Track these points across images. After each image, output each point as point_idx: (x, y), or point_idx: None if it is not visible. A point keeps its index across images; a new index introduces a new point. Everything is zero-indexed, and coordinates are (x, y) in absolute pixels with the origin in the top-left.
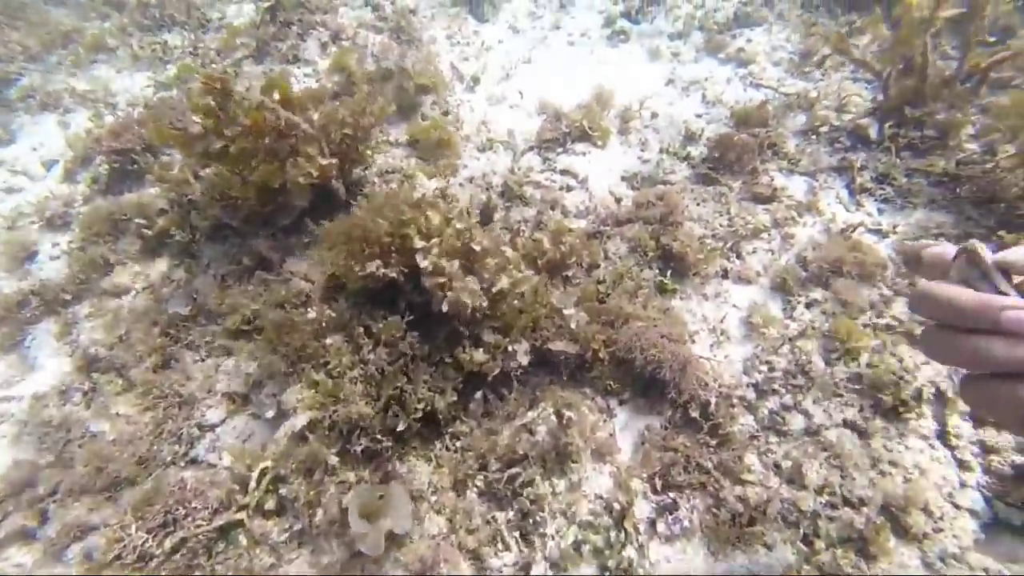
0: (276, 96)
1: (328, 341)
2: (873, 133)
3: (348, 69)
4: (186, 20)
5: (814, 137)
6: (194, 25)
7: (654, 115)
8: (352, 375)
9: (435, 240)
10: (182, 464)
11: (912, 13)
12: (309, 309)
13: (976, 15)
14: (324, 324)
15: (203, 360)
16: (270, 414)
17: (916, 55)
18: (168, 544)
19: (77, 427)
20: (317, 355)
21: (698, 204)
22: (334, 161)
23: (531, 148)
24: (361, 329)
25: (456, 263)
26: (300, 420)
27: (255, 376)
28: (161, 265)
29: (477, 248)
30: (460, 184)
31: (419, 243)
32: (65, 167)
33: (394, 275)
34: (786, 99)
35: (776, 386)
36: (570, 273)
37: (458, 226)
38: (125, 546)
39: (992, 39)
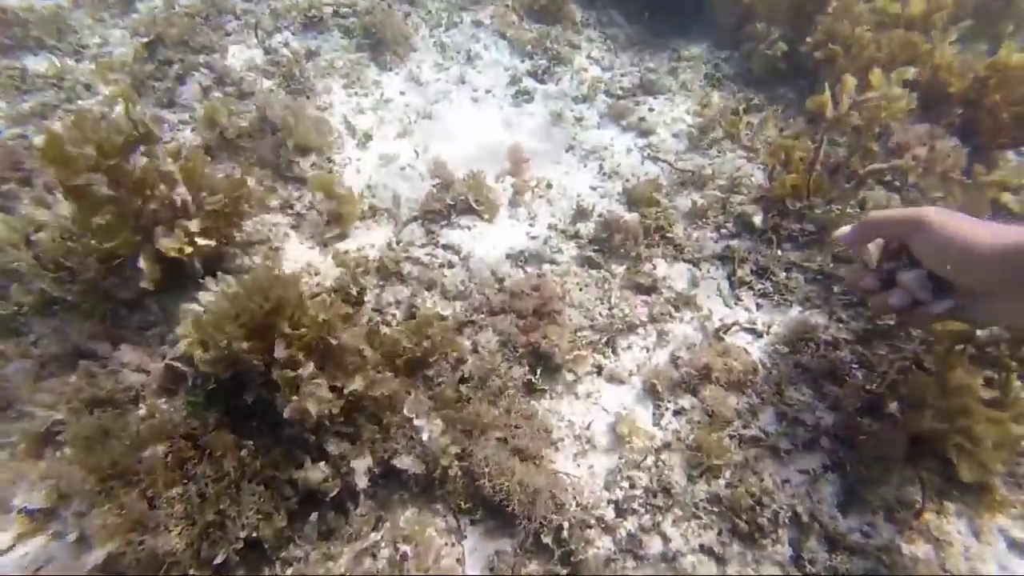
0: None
1: (146, 454)
2: (758, 221)
3: (220, 125)
4: (57, 44)
5: (701, 221)
6: (67, 51)
7: (548, 185)
8: (169, 495)
9: (302, 331)
10: None
11: (822, 111)
12: (140, 406)
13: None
14: (146, 432)
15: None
16: (71, 538)
17: (802, 154)
18: None
19: None
20: (131, 471)
21: (580, 289)
22: (212, 243)
23: (415, 219)
24: (185, 442)
25: (311, 365)
26: (97, 555)
27: (62, 489)
28: None
29: (334, 342)
30: (332, 255)
31: (285, 327)
32: None
33: (258, 362)
34: (680, 176)
35: (636, 505)
36: (431, 373)
37: (321, 317)
38: None
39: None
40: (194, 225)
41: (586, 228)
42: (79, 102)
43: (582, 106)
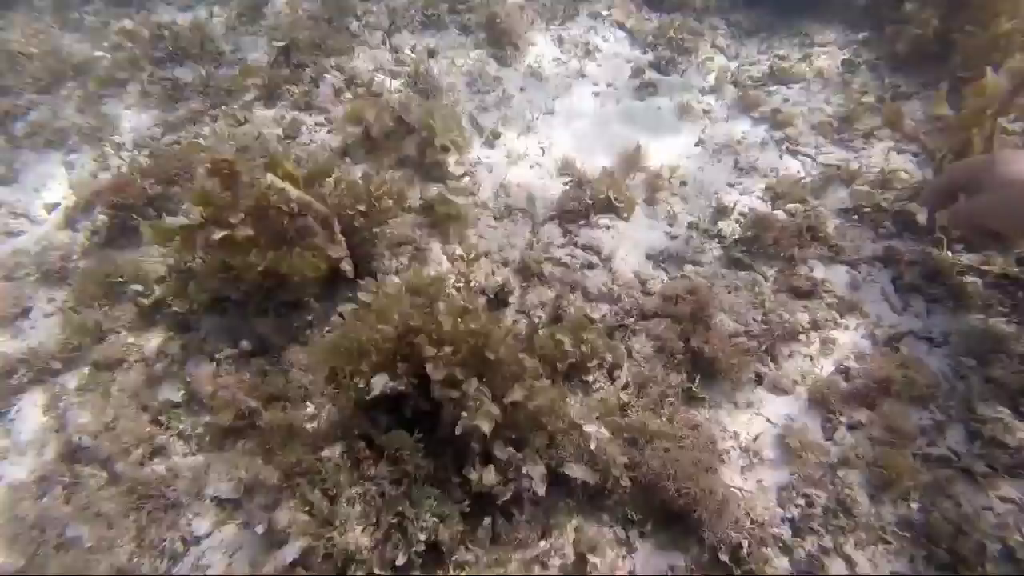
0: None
1: (325, 453)
2: (922, 219)
3: (365, 122)
4: (199, 53)
5: (856, 218)
6: (207, 59)
7: (683, 182)
8: (350, 495)
9: (448, 349)
10: None
11: (983, 95)
12: (308, 403)
13: None
14: (322, 430)
15: (193, 455)
16: (260, 529)
17: (977, 140)
18: None
19: (53, 527)
20: (313, 469)
21: (729, 292)
22: (343, 254)
23: (552, 218)
24: (362, 443)
25: (474, 381)
26: (292, 550)
27: (247, 482)
28: (156, 337)
29: (491, 357)
30: (475, 257)
31: (430, 351)
32: (66, 212)
33: (403, 388)
34: (824, 170)
35: (815, 524)
36: (590, 379)
37: (472, 326)
38: None
39: None
40: (321, 239)
41: (728, 227)
42: (223, 107)
43: (709, 97)
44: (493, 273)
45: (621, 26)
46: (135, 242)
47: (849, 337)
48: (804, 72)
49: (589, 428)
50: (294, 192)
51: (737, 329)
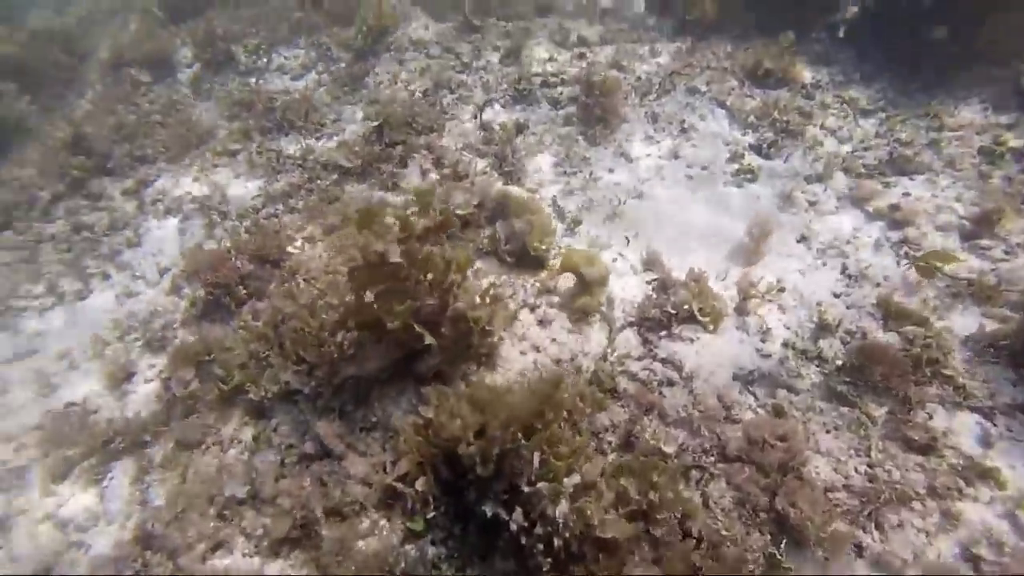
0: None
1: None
2: None
3: (445, 214)
4: (303, 124)
5: (992, 351)
6: (310, 130)
7: (781, 288)
8: None
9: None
10: None
11: None
12: (363, 519)
13: None
14: (375, 551)
15: (251, 556)
16: None
17: None
18: None
19: None
20: None
21: (828, 431)
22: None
23: (631, 324)
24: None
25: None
26: None
27: None
28: (232, 423)
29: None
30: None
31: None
32: (174, 279)
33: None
34: (953, 284)
35: None
36: (659, 533)
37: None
38: None
39: None
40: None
41: (830, 347)
42: (318, 182)
43: (816, 186)
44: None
45: (721, 103)
46: (225, 318)
47: (979, 513)
48: (931, 161)
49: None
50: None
51: (835, 481)
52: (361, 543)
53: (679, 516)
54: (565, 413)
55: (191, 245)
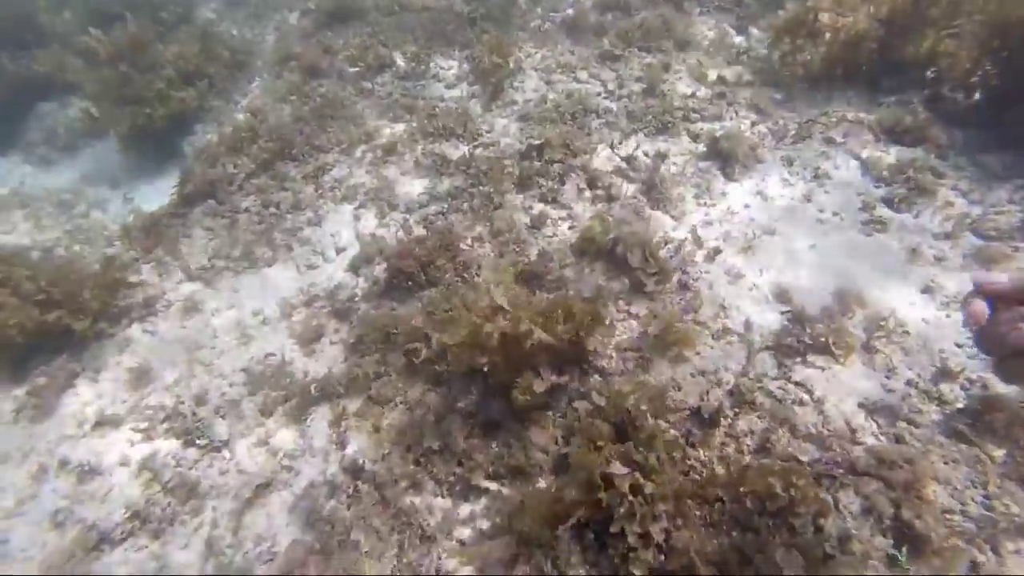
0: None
1: (559, 532)
2: None
3: (595, 242)
4: (462, 134)
5: None
6: (468, 139)
7: (905, 332)
8: (577, 572)
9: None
10: None
11: None
12: (540, 479)
13: None
14: (557, 512)
15: (444, 497)
16: None
17: None
18: None
19: (339, 525)
20: (547, 542)
21: (946, 463)
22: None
23: (767, 348)
24: (590, 531)
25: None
26: None
27: (489, 534)
28: (417, 387)
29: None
30: (691, 374)
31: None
32: (352, 260)
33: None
34: None
35: None
36: (797, 524)
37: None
38: None
39: None
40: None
41: (951, 391)
42: (479, 188)
43: (944, 244)
44: (708, 393)
45: (856, 156)
46: (405, 299)
47: None
48: None
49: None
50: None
51: (952, 506)
52: (545, 501)
53: (814, 513)
54: None
55: (367, 232)
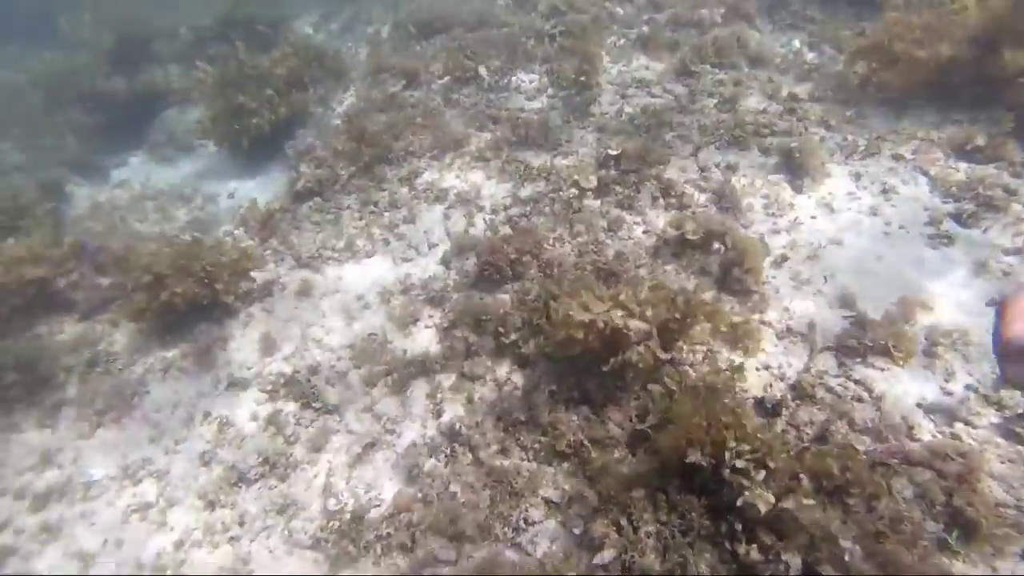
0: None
1: (634, 493)
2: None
3: (684, 231)
4: (543, 142)
5: None
6: (549, 147)
7: (967, 341)
8: (647, 529)
9: (746, 447)
10: (509, 544)
11: None
12: (615, 451)
13: None
14: (632, 475)
15: (530, 461)
16: (576, 531)
17: None
18: None
19: (438, 480)
20: (623, 502)
21: (1002, 462)
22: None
23: (829, 348)
24: (663, 495)
25: (762, 471)
26: (607, 555)
27: (570, 494)
28: (504, 367)
29: (773, 466)
30: (756, 368)
31: (731, 443)
32: (444, 255)
33: (704, 463)
34: None
35: None
36: (852, 502)
37: (762, 436)
38: None
39: None
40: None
41: (1011, 398)
42: (560, 193)
43: (1013, 258)
44: (771, 386)
45: (924, 172)
46: (493, 290)
47: None
48: None
49: (845, 544)
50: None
51: (1006, 500)
52: (622, 468)
53: (868, 495)
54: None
55: (457, 230)
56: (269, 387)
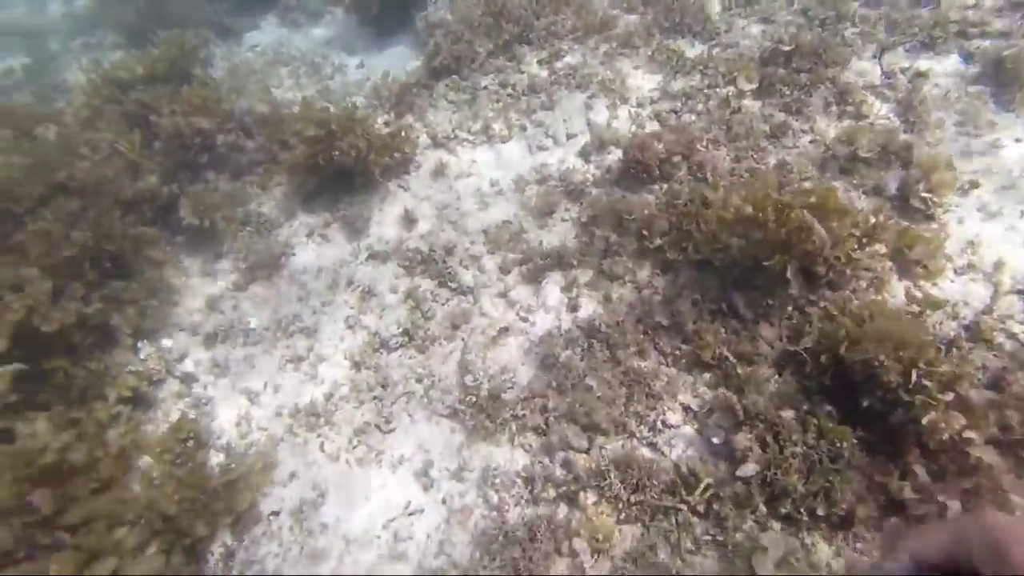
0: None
1: (784, 413)
2: None
3: (857, 145)
4: (700, 30)
5: None
6: (705, 36)
7: None
8: (793, 450)
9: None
10: (644, 441)
11: None
12: (761, 368)
13: None
14: (781, 393)
15: (669, 367)
16: (716, 440)
17: None
18: (632, 498)
19: (573, 372)
20: (769, 419)
21: None
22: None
23: (1017, 292)
24: (815, 420)
25: (951, 394)
26: (750, 468)
27: (711, 404)
28: (646, 270)
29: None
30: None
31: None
32: (584, 147)
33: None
34: None
35: None
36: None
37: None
38: (605, 488)
39: None
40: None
41: None
42: (717, 90)
43: None
44: (940, 324)
45: None
46: (637, 189)
47: None
48: None
49: (1016, 499)
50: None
51: None
52: (770, 384)
53: None
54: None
55: (599, 121)
56: (406, 262)
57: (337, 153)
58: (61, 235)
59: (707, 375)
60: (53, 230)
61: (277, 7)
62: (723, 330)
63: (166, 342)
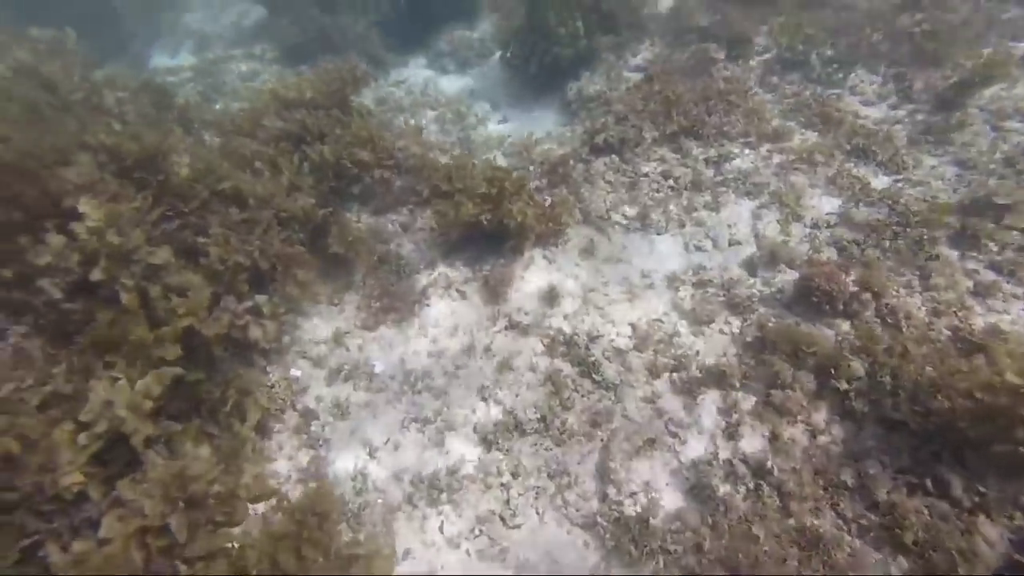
0: None
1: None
2: None
3: None
4: (887, 161)
5: None
6: (892, 169)
7: None
8: None
9: None
10: None
11: None
12: (976, 569)
13: None
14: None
15: (853, 537)
16: None
17: None
18: None
19: (734, 512)
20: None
21: None
22: None
23: None
24: None
25: None
26: None
27: None
28: (822, 413)
29: None
30: None
31: None
32: (750, 258)
33: None
34: None
35: None
36: None
37: None
38: None
39: None
40: None
41: None
42: (907, 229)
43: None
44: None
45: None
46: (815, 319)
47: None
48: None
49: None
50: None
51: None
52: None
53: None
54: None
55: (769, 235)
56: (547, 340)
57: (504, 218)
58: (238, 245)
59: (904, 560)
60: (233, 238)
61: (430, 50)
62: (926, 510)
63: (295, 372)
